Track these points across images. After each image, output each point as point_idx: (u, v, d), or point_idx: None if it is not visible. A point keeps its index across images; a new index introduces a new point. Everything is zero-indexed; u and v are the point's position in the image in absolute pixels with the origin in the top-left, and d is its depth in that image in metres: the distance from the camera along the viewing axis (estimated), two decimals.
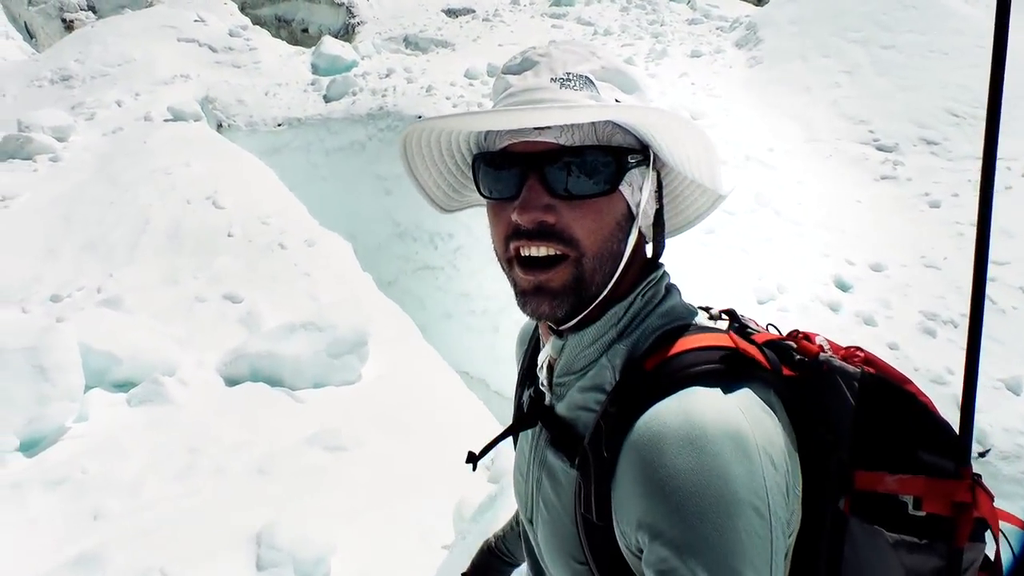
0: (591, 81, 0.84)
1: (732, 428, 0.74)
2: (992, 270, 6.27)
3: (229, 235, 6.87)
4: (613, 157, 0.83)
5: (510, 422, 1.03)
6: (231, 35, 14.75)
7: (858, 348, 0.91)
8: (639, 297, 0.89)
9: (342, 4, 27.32)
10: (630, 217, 0.86)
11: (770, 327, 0.99)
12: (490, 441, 1.00)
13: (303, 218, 7.62)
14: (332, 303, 5.61)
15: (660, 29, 16.30)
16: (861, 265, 6.93)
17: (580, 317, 0.88)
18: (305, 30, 26.84)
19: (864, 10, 12.42)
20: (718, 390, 0.77)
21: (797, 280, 6.62)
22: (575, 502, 0.86)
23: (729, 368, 0.79)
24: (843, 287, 6.62)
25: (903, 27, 11.82)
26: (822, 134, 9.86)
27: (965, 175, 8.20)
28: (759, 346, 0.86)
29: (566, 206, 0.82)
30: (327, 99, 12.78)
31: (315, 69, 14.32)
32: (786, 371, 0.85)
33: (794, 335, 0.92)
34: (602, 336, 0.88)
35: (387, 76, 13.49)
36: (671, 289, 0.93)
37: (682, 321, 0.88)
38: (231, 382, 4.70)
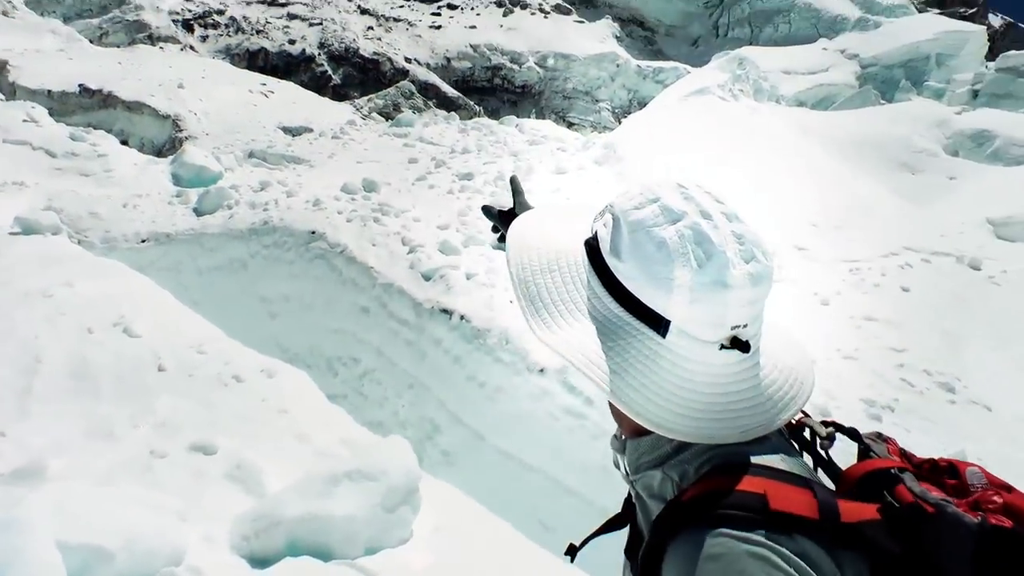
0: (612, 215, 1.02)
1: (757, 554, 0.75)
2: (895, 357, 6.94)
3: (160, 369, 5.53)
4: None
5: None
6: (73, 139, 13.03)
7: (1006, 488, 0.84)
8: None
9: (168, 117, 25.63)
10: None
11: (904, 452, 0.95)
12: (589, 535, 1.05)
13: (239, 344, 6.41)
14: (337, 441, 4.53)
15: (508, 148, 16.63)
16: None
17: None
18: (124, 142, 24.65)
19: (707, 130, 13.56)
20: (743, 533, 0.77)
21: None
22: None
23: (754, 516, 0.79)
24: None
25: (745, 146, 12.92)
26: None
27: (838, 275, 9.03)
28: (814, 489, 0.84)
29: None
30: (198, 212, 11.49)
31: (177, 180, 12.92)
32: (861, 515, 0.82)
33: (933, 465, 0.89)
34: (658, 448, 0.93)
35: (262, 190, 12.49)
36: None
37: (742, 452, 0.87)
38: (261, 561, 3.42)
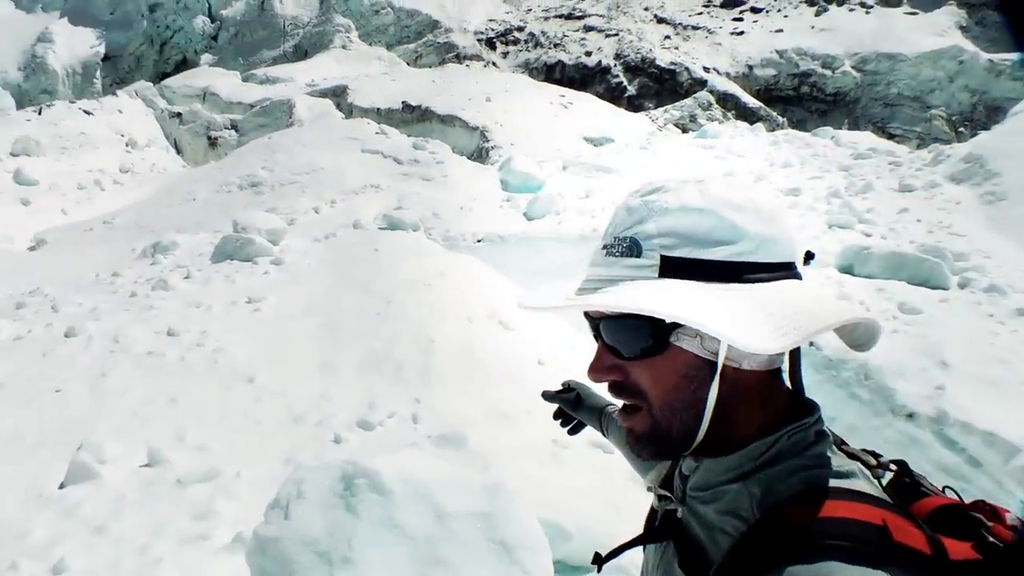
0: (636, 244, 0.84)
1: None
2: None
3: (539, 363, 5.79)
4: (649, 322, 0.82)
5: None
6: (415, 148, 14.41)
7: None
8: (785, 437, 0.84)
9: (476, 128, 27.57)
10: (705, 365, 0.83)
11: (947, 490, 0.90)
12: (618, 546, 0.99)
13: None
14: None
15: (832, 162, 15.55)
16: None
17: (698, 450, 0.86)
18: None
19: None
20: (857, 570, 0.71)
21: None
22: None
23: (875, 549, 0.72)
24: None
25: None
26: None
27: None
28: (918, 520, 0.78)
29: (631, 364, 0.84)
30: (528, 217, 12.09)
31: (504, 185, 13.82)
32: (962, 553, 0.75)
33: (979, 506, 0.84)
34: (741, 466, 0.85)
35: (587, 197, 12.82)
36: (822, 435, 0.86)
37: (834, 474, 0.82)
38: None
